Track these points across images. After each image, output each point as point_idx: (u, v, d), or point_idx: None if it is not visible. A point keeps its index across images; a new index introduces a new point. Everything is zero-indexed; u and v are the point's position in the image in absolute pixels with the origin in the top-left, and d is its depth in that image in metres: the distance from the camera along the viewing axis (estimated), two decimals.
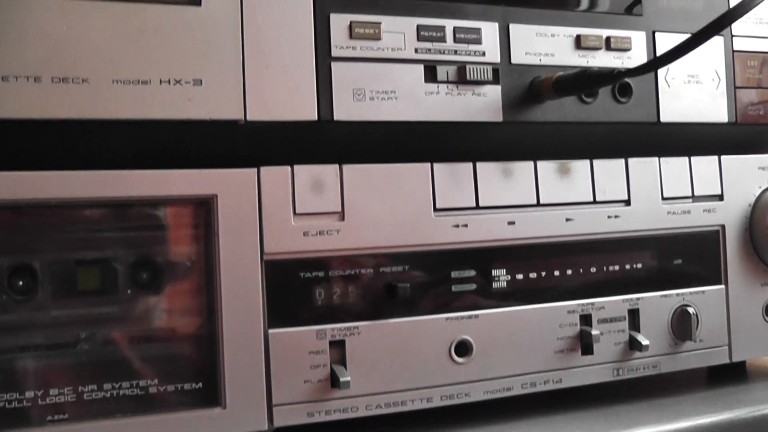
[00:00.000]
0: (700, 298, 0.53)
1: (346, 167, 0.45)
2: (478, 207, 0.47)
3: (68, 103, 0.39)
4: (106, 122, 0.40)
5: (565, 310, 0.49)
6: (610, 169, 0.51)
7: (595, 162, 0.50)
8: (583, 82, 0.46)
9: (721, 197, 0.54)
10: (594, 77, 0.45)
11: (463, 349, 0.47)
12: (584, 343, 0.49)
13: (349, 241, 0.44)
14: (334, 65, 0.44)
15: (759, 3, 0.42)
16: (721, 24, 0.41)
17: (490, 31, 0.48)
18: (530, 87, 0.48)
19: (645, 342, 0.50)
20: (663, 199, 0.52)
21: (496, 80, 0.48)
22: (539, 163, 0.49)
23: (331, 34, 0.44)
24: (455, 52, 0.47)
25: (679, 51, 0.42)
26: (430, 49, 0.46)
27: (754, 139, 0.60)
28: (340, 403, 0.44)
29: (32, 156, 0.42)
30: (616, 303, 0.51)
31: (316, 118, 0.44)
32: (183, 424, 0.41)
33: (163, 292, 0.42)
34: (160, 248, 0.42)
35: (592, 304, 0.50)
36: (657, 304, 0.52)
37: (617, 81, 0.47)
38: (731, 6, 0.54)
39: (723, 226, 0.54)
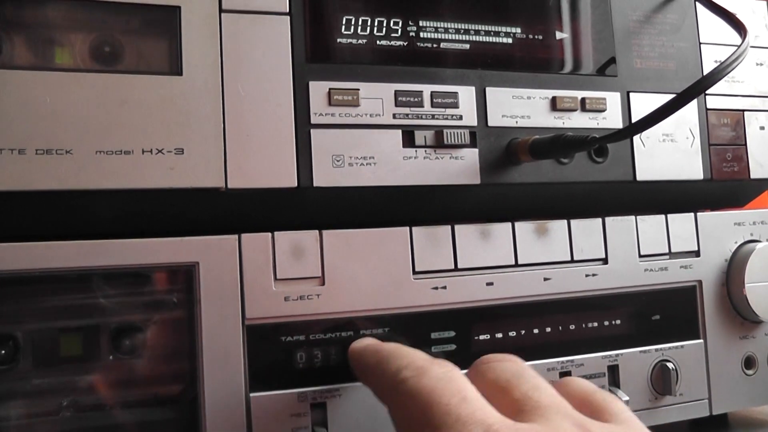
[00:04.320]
0: (679, 353, 0.54)
1: (325, 233, 0.45)
2: (456, 269, 0.48)
3: (52, 174, 0.40)
4: (90, 192, 0.41)
5: (545, 367, 0.50)
6: (587, 228, 0.52)
7: (573, 221, 0.51)
8: (558, 147, 0.46)
9: (697, 253, 0.55)
10: (569, 143, 0.46)
11: None
12: None
13: (329, 305, 0.45)
14: (313, 132, 0.45)
15: (730, 71, 0.43)
16: (693, 93, 0.42)
17: (466, 94, 0.49)
18: (507, 149, 0.49)
19: (625, 398, 0.50)
20: (640, 256, 0.53)
21: (473, 143, 0.48)
22: (517, 224, 0.50)
23: (311, 101, 0.45)
24: (433, 116, 0.48)
25: (653, 118, 0.43)
26: (407, 114, 0.47)
27: (729, 194, 0.60)
28: None
29: (15, 227, 0.43)
30: (595, 360, 0.51)
31: (296, 185, 0.44)
32: None
33: (145, 358, 0.43)
34: (142, 314, 0.43)
35: (572, 361, 0.50)
36: (636, 359, 0.52)
37: (592, 147, 0.48)
38: (704, 69, 0.55)
39: (700, 282, 0.55)
